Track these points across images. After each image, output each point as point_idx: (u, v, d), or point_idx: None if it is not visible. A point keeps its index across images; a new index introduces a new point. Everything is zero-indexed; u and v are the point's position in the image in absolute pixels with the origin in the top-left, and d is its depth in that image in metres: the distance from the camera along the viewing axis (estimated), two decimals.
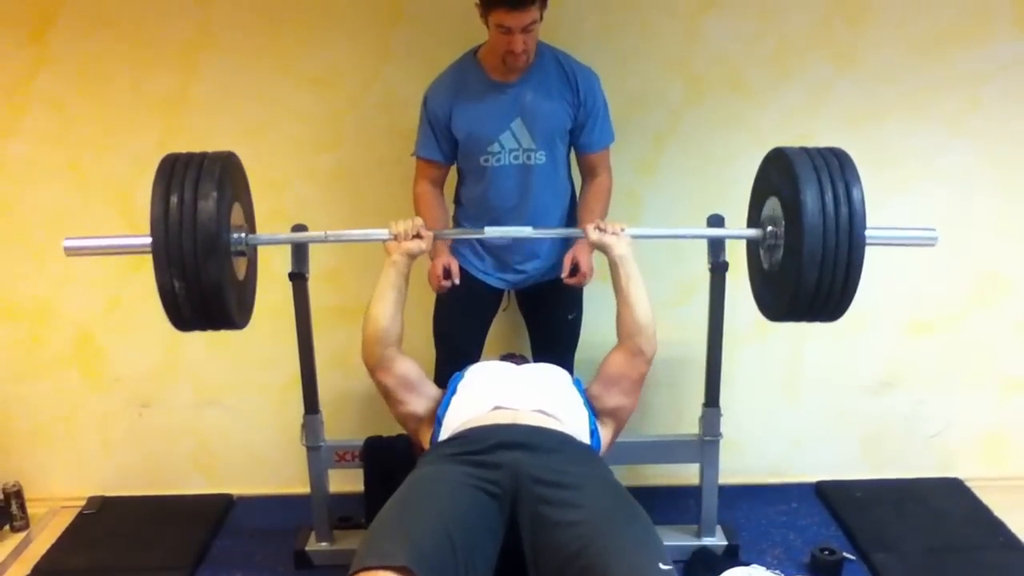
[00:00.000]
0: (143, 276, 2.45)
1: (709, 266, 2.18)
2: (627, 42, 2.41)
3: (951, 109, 2.48)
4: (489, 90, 2.11)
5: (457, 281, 2.20)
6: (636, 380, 1.84)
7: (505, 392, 1.73)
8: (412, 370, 1.83)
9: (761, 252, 1.90)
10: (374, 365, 1.82)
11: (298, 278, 2.16)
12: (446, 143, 2.17)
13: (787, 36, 2.42)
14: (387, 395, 1.83)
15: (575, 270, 2.18)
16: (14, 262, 2.54)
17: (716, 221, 2.18)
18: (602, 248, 1.88)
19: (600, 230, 1.87)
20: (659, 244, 2.52)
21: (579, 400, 1.81)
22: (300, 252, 2.16)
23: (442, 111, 2.13)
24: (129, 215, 2.44)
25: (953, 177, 2.51)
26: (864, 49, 2.43)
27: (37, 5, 2.35)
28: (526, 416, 1.66)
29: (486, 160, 2.14)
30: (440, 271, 2.16)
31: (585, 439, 1.73)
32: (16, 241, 2.53)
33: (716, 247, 2.17)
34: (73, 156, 2.46)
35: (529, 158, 2.13)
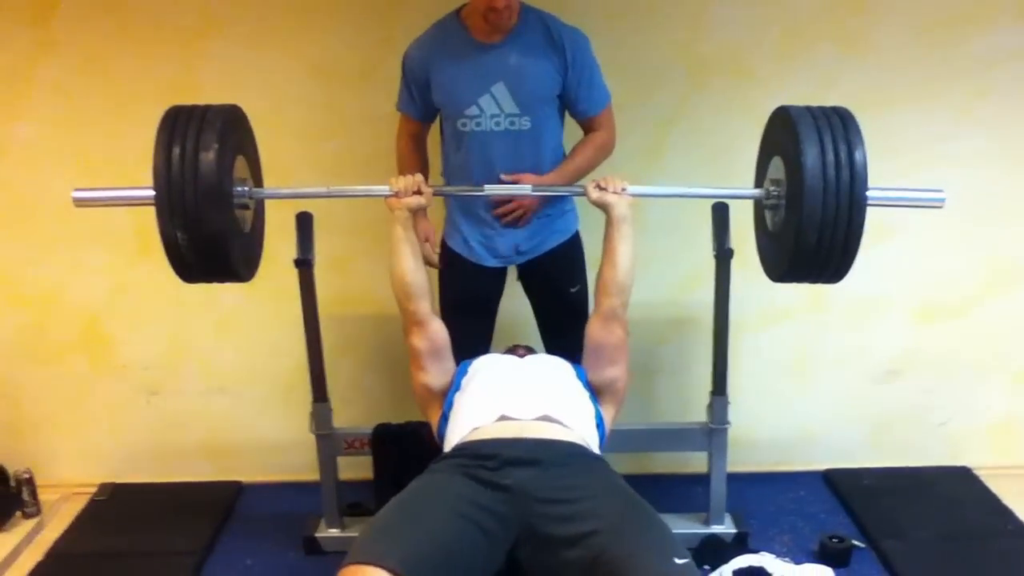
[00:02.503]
0: (150, 263, 2.49)
1: (715, 253, 2.17)
2: (632, 28, 2.39)
3: (959, 96, 2.45)
4: (471, 51, 2.03)
5: (437, 249, 2.21)
6: (617, 347, 1.84)
7: (510, 399, 1.72)
8: (441, 337, 1.85)
9: (765, 212, 1.88)
10: (409, 323, 1.84)
11: (304, 265, 2.17)
12: (422, 101, 2.12)
13: (793, 22, 2.40)
14: (414, 359, 1.86)
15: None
16: (21, 248, 2.55)
17: (721, 209, 2.17)
18: (603, 207, 1.85)
19: (601, 188, 1.85)
20: (665, 232, 2.51)
21: (584, 394, 1.81)
22: (305, 238, 2.16)
23: (420, 70, 2.08)
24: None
25: (961, 164, 2.48)
26: (871, 35, 2.41)
27: None
28: (532, 427, 1.66)
29: (464, 124, 2.06)
30: (422, 239, 2.11)
31: (592, 437, 1.74)
32: (23, 227, 2.54)
33: (721, 234, 2.16)
34: (78, 141, 2.46)
35: (513, 124, 2.04)
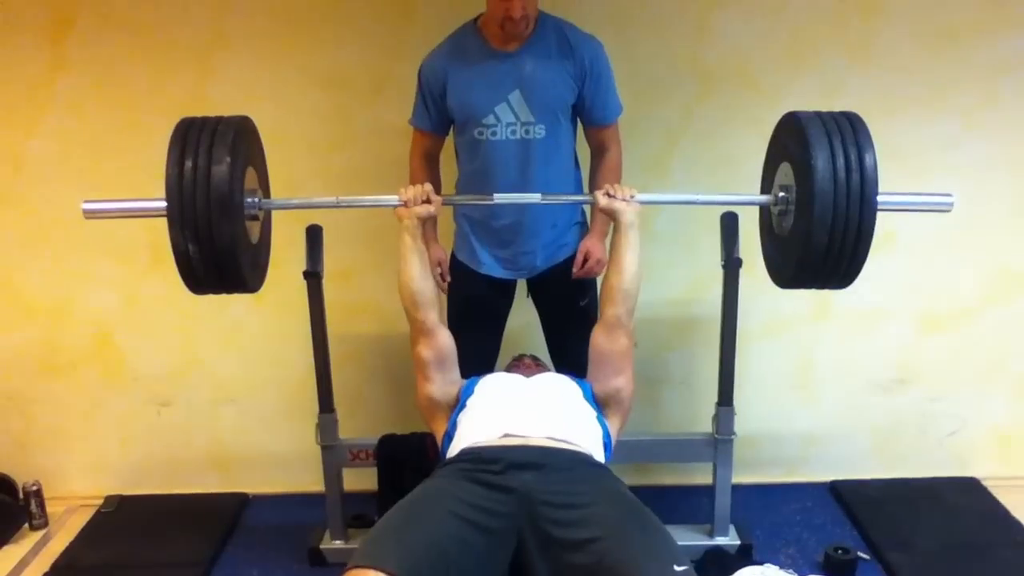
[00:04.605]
0: (160, 275, 2.52)
1: (723, 263, 2.18)
2: (639, 38, 2.41)
3: (966, 103, 2.46)
4: (487, 59, 2.04)
5: (448, 278, 2.23)
6: (622, 355, 1.84)
7: (515, 419, 1.73)
8: (447, 347, 1.86)
9: (773, 218, 1.89)
10: (416, 332, 1.84)
11: (313, 277, 2.18)
12: (437, 113, 2.12)
13: (799, 30, 2.42)
14: (420, 369, 1.86)
15: (585, 260, 2.18)
16: (33, 261, 2.58)
17: (730, 219, 2.18)
18: (611, 214, 1.87)
19: (610, 196, 1.86)
20: (669, 240, 2.53)
21: (591, 414, 1.81)
22: (315, 250, 2.18)
23: (436, 80, 2.08)
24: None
25: (967, 172, 2.49)
26: (877, 44, 2.42)
27: (56, 9, 2.39)
28: (537, 440, 1.67)
29: (481, 133, 2.07)
30: (434, 265, 2.15)
31: (599, 453, 1.74)
32: (35, 240, 2.56)
33: (730, 243, 2.17)
34: (91, 156, 2.49)
35: (528, 132, 2.05)
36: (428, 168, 2.21)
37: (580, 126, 2.21)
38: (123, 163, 2.48)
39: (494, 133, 2.07)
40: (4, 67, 2.43)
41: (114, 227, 2.42)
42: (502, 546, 1.51)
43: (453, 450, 1.75)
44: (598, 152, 2.21)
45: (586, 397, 1.84)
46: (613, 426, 1.84)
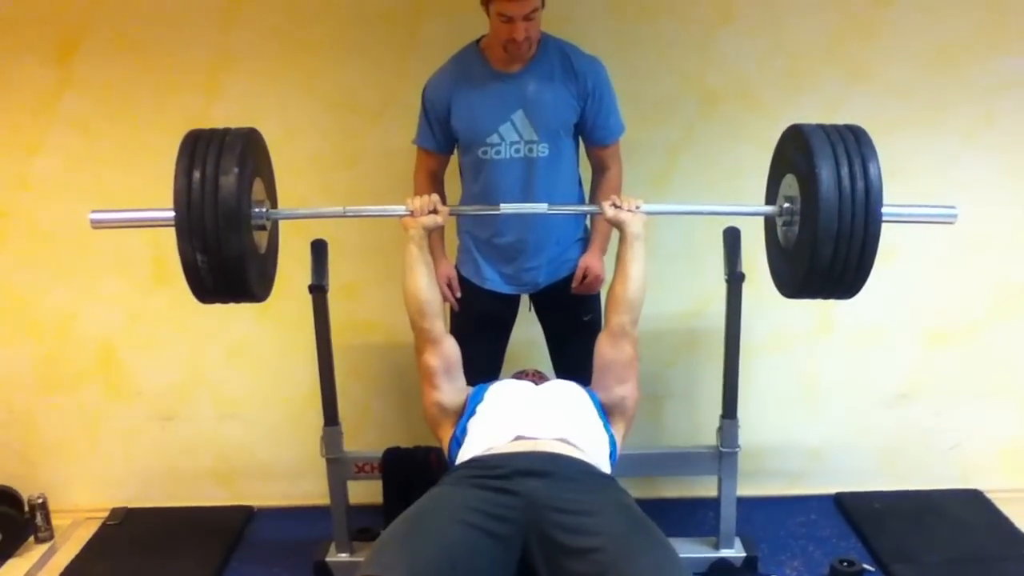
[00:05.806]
0: (165, 291, 2.54)
1: (726, 277, 2.19)
2: (642, 57, 2.43)
3: (966, 122, 2.48)
4: (490, 80, 2.07)
5: (458, 293, 2.25)
6: (626, 364, 1.85)
7: (526, 421, 1.73)
8: (454, 355, 1.86)
9: (778, 229, 1.90)
10: (423, 341, 1.85)
11: (318, 291, 2.20)
12: (442, 133, 2.14)
13: (800, 51, 2.44)
14: (427, 378, 1.86)
15: (584, 276, 2.19)
16: (38, 277, 2.60)
17: (732, 234, 2.19)
18: (617, 225, 1.89)
19: (616, 206, 1.89)
20: (673, 255, 2.53)
21: (599, 422, 1.82)
22: (320, 265, 2.19)
23: (440, 102, 2.10)
24: (152, 231, 2.48)
25: (968, 189, 2.50)
26: (877, 63, 2.44)
27: (62, 29, 2.41)
28: (546, 445, 1.67)
29: (485, 152, 2.09)
30: (444, 281, 2.18)
31: (605, 463, 1.74)
32: (40, 257, 2.58)
33: (733, 258, 2.18)
34: (97, 175, 2.51)
35: (531, 151, 2.08)
36: (432, 187, 2.22)
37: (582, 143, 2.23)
38: (128, 181, 2.49)
39: (498, 152, 2.09)
40: (11, 86, 2.45)
41: (118, 243, 2.45)
42: (509, 551, 1.51)
43: (463, 455, 1.75)
44: (599, 170, 2.23)
45: (594, 405, 1.85)
46: (618, 434, 1.85)
